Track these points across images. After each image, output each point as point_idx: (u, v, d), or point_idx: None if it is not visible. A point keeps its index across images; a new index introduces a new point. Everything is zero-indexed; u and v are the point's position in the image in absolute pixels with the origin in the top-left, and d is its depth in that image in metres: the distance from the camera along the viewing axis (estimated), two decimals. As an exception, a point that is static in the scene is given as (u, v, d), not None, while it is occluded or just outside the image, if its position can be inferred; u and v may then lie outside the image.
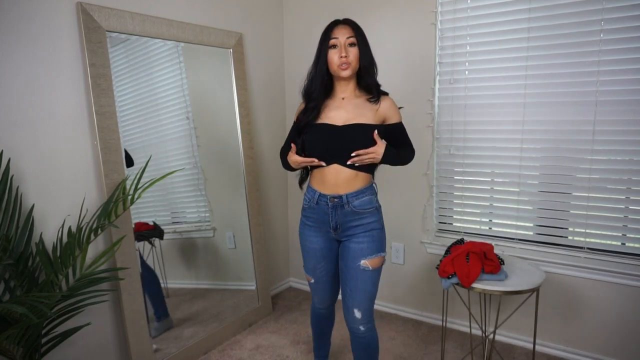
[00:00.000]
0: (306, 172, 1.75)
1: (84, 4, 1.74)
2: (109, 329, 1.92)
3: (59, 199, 1.72)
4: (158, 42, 2.08)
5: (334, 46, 1.55)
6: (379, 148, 1.55)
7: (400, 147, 1.68)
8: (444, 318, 2.01)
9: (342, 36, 1.55)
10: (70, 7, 1.72)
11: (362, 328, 1.65)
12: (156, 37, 2.03)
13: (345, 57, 1.54)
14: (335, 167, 1.58)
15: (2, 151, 1.52)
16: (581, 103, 1.99)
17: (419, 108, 2.39)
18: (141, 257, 2.03)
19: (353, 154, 1.54)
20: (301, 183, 1.79)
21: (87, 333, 1.76)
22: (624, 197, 1.97)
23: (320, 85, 1.61)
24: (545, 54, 2.04)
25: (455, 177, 2.38)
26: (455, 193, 2.40)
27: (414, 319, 2.58)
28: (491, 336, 2.12)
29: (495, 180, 2.25)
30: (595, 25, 1.91)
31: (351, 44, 1.56)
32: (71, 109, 1.75)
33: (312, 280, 1.78)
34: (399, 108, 1.70)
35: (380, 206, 1.68)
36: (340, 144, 1.56)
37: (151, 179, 1.64)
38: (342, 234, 1.64)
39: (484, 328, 2.09)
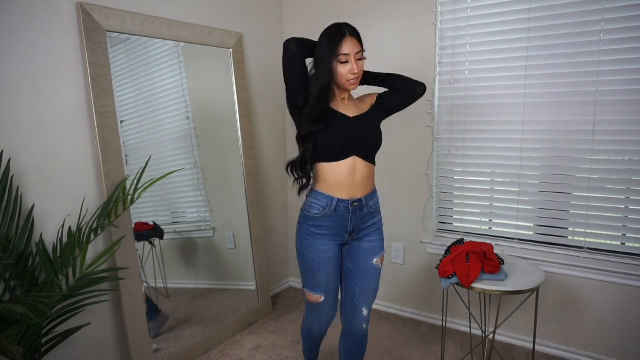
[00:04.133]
0: (307, 179, 1.59)
1: (84, 4, 1.74)
2: (109, 329, 1.91)
3: (59, 199, 1.72)
4: (158, 42, 2.08)
5: (346, 62, 1.49)
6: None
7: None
8: (444, 318, 2.01)
9: (352, 51, 1.48)
10: (71, 7, 1.72)
11: (365, 326, 1.67)
12: (156, 37, 2.03)
13: (357, 72, 1.50)
14: (352, 164, 1.53)
15: (2, 151, 1.52)
16: (581, 103, 1.99)
17: (419, 108, 2.39)
18: None
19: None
20: (302, 190, 1.60)
21: (87, 333, 1.76)
22: (623, 197, 1.97)
23: (318, 87, 1.51)
24: (545, 54, 2.04)
25: (455, 177, 2.38)
26: (455, 193, 2.40)
27: (414, 319, 2.58)
28: (491, 336, 2.12)
29: (495, 180, 2.26)
30: (595, 25, 1.91)
31: (360, 59, 1.52)
32: (71, 108, 1.75)
33: (322, 299, 1.62)
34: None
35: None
36: (358, 133, 1.53)
37: (151, 179, 1.64)
38: (355, 235, 1.62)
39: (484, 328, 2.09)
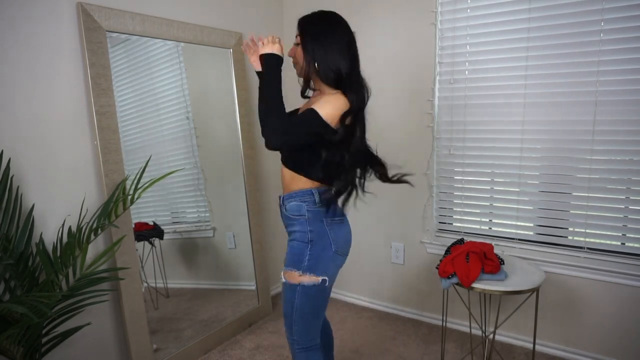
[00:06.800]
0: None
1: (84, 4, 1.74)
2: (109, 329, 1.92)
3: (59, 199, 1.72)
4: (158, 42, 2.08)
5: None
6: (266, 47, 1.40)
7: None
8: (444, 318, 2.01)
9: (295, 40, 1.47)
10: (71, 7, 1.72)
11: (288, 340, 1.52)
12: (156, 37, 2.03)
13: (291, 56, 1.49)
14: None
15: (2, 151, 1.52)
16: (581, 103, 1.99)
17: (419, 108, 2.39)
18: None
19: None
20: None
21: (87, 333, 1.76)
22: (623, 197, 1.97)
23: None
24: (545, 54, 2.03)
25: (455, 177, 2.38)
26: (455, 193, 2.40)
27: (414, 319, 2.58)
28: (491, 336, 2.12)
29: (495, 180, 2.25)
30: (595, 26, 1.91)
31: (297, 44, 1.47)
32: (71, 109, 1.75)
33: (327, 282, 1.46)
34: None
35: (315, 218, 1.43)
36: None
37: (151, 179, 1.64)
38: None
39: (484, 328, 2.09)
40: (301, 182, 1.44)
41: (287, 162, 1.48)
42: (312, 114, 1.33)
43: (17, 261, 1.49)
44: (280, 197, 1.51)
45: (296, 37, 1.45)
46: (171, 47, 2.14)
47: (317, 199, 1.43)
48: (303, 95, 1.58)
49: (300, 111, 1.48)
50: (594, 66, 1.93)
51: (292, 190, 1.45)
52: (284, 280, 1.44)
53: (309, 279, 1.40)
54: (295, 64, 1.48)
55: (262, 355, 2.23)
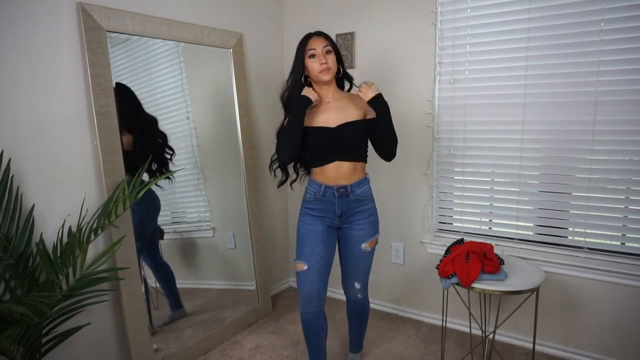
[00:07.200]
0: (286, 176, 1.93)
1: (84, 4, 1.74)
2: (109, 329, 1.92)
3: (59, 199, 1.72)
4: (158, 42, 2.08)
5: (313, 56, 1.74)
6: (372, 88, 1.73)
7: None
8: (444, 318, 2.01)
9: (318, 46, 1.74)
10: (71, 7, 1.72)
11: (359, 296, 1.95)
12: (156, 37, 2.03)
13: (325, 63, 1.73)
14: (336, 164, 1.78)
15: (2, 151, 1.52)
16: (581, 103, 1.99)
17: (419, 108, 2.39)
18: (160, 252, 2.15)
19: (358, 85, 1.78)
20: (280, 185, 1.96)
21: (87, 333, 1.76)
22: (623, 197, 1.97)
23: (298, 92, 1.79)
24: (545, 54, 2.04)
25: (455, 177, 2.38)
26: (455, 193, 2.40)
27: (414, 319, 2.58)
28: (491, 336, 2.12)
29: (495, 180, 2.26)
30: (595, 26, 1.91)
31: (328, 52, 1.75)
32: (71, 109, 1.75)
33: (305, 267, 1.80)
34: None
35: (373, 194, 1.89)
36: (338, 143, 1.76)
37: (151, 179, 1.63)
38: (345, 220, 1.83)
39: (484, 328, 2.09)
40: (362, 171, 1.84)
41: (358, 158, 1.81)
42: None
43: (17, 261, 1.49)
44: (341, 187, 1.78)
45: (326, 46, 1.75)
46: (171, 47, 2.14)
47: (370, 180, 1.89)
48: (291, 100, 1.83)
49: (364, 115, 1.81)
50: (594, 66, 1.93)
51: (358, 179, 1.81)
52: (368, 249, 1.86)
53: (379, 236, 1.92)
54: (328, 69, 1.74)
55: (262, 355, 2.23)
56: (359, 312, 2.02)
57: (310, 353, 1.94)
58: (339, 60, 1.81)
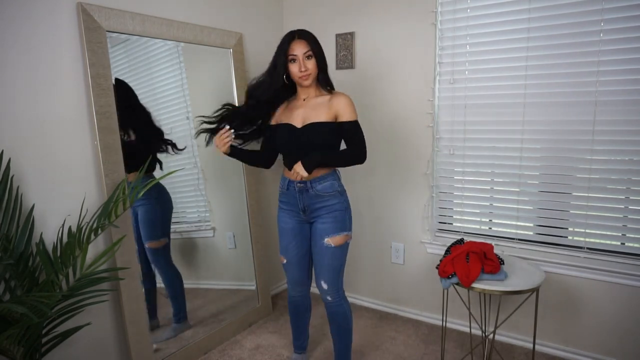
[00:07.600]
0: (214, 131, 1.95)
1: (84, 4, 1.74)
2: (109, 329, 1.92)
3: (59, 199, 1.72)
4: (158, 42, 2.08)
5: (293, 60, 1.76)
6: (298, 167, 1.74)
7: (348, 147, 1.82)
8: (444, 318, 2.01)
9: (299, 52, 1.75)
10: (71, 7, 1.72)
11: (329, 298, 1.89)
12: (156, 37, 2.03)
13: (305, 70, 1.75)
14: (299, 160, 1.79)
15: (2, 151, 1.52)
16: (581, 103, 1.99)
17: (419, 108, 2.39)
18: (170, 258, 2.17)
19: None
20: (207, 143, 1.99)
21: (87, 333, 1.76)
22: (623, 197, 1.97)
23: (265, 93, 1.83)
24: (545, 54, 2.04)
25: (455, 177, 2.38)
26: (455, 193, 2.40)
27: (414, 319, 2.58)
28: (491, 336, 2.12)
29: (495, 180, 2.26)
30: (595, 26, 1.91)
31: (308, 57, 1.76)
32: (71, 109, 1.75)
33: (285, 261, 1.96)
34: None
35: (344, 190, 1.89)
36: (300, 144, 1.79)
37: (151, 179, 1.63)
38: (310, 215, 1.87)
39: (484, 328, 2.09)
40: (325, 168, 1.82)
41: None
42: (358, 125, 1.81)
43: (17, 261, 1.49)
44: (300, 182, 1.81)
45: (307, 52, 1.75)
46: (171, 47, 2.14)
47: (339, 176, 1.91)
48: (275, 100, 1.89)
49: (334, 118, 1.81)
50: (594, 66, 1.93)
51: (319, 175, 1.81)
52: (332, 245, 1.82)
53: (349, 235, 1.89)
54: (308, 75, 1.76)
55: (262, 355, 2.23)
56: (333, 319, 1.93)
57: (294, 330, 2.12)
58: (321, 62, 1.80)
